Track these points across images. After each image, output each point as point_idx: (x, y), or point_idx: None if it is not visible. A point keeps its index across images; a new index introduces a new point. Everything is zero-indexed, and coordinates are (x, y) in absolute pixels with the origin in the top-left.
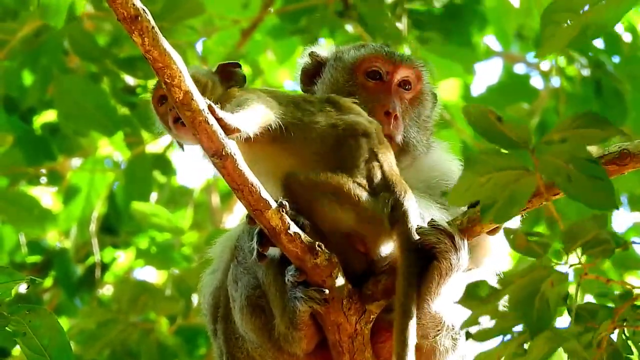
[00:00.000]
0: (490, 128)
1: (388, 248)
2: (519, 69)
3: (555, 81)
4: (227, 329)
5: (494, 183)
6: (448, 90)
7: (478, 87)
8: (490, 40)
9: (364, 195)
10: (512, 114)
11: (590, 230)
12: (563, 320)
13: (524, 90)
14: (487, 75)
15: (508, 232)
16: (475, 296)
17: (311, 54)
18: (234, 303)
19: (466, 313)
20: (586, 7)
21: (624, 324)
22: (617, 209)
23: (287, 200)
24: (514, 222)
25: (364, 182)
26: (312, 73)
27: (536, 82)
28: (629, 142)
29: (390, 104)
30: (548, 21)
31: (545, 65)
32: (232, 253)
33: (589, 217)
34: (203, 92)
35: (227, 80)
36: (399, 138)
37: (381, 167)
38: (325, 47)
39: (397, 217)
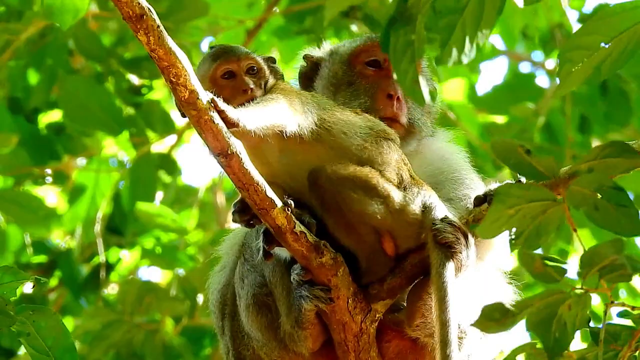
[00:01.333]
0: (519, 161)
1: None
2: (524, 67)
3: None
4: (233, 326)
5: (522, 215)
6: (453, 90)
7: (483, 86)
8: (495, 39)
9: (393, 189)
10: (517, 113)
11: (607, 254)
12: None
13: (529, 90)
14: (492, 74)
15: (526, 257)
16: (492, 318)
17: (306, 57)
18: (240, 300)
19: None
20: (602, 44)
21: None
22: (630, 279)
23: (292, 200)
24: None
25: (394, 177)
26: (309, 75)
27: (541, 81)
28: (634, 140)
29: (391, 87)
30: (564, 59)
31: (550, 64)
32: (240, 250)
33: (606, 242)
34: (260, 78)
35: (273, 73)
36: (403, 119)
37: (408, 168)
38: (317, 49)
39: (428, 213)
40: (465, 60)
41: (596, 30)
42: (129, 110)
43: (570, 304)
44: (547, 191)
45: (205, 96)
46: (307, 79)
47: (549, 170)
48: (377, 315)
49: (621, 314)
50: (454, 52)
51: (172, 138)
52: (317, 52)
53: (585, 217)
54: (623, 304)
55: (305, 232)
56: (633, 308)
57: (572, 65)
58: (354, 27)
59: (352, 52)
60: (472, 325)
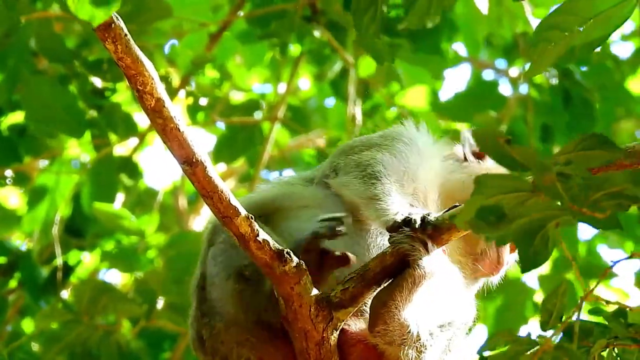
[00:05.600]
0: (499, 150)
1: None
2: (488, 75)
3: (524, 88)
4: (201, 308)
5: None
6: (416, 97)
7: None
8: (458, 46)
9: None
10: (480, 121)
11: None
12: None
13: (492, 98)
14: (455, 81)
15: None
16: (487, 220)
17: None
18: (214, 278)
19: (435, 328)
20: (577, 27)
21: (616, 342)
22: (621, 228)
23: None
24: None
25: None
26: None
27: (504, 89)
28: None
29: None
30: (539, 39)
31: (514, 72)
32: (209, 239)
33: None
34: None
35: None
36: None
37: None
38: None
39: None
40: (429, 24)
41: (572, 10)
42: (92, 113)
43: (558, 222)
44: (526, 182)
45: (174, 109)
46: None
47: (529, 161)
48: (339, 324)
49: (593, 311)
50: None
51: (134, 141)
52: None
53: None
54: (597, 298)
55: (269, 240)
56: (607, 302)
57: (546, 45)
58: (317, 33)
59: None
60: (465, 222)
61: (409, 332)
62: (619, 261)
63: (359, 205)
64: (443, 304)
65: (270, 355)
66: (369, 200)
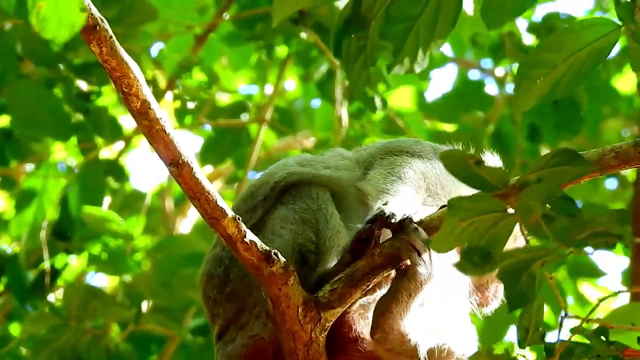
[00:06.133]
0: (469, 172)
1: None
2: (474, 75)
3: (510, 87)
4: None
5: (475, 227)
6: (402, 97)
7: (432, 94)
8: (444, 46)
9: None
10: (467, 122)
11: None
12: None
13: (478, 98)
14: (441, 81)
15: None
16: (472, 261)
17: None
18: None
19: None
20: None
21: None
22: (597, 249)
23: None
24: None
25: None
26: None
27: (491, 88)
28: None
29: None
30: (523, 76)
31: (499, 71)
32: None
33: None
34: None
35: None
36: None
37: None
38: None
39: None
40: (417, 69)
41: (554, 47)
42: (78, 116)
43: (544, 261)
44: (498, 202)
45: (159, 111)
46: None
47: (500, 181)
48: (327, 324)
49: (573, 329)
50: (407, 60)
51: (120, 144)
52: None
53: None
54: (576, 317)
55: (256, 241)
56: (588, 321)
57: (530, 83)
58: (303, 35)
59: None
60: (453, 265)
61: (408, 341)
62: (605, 298)
63: (369, 195)
64: (442, 315)
65: None
66: (378, 193)
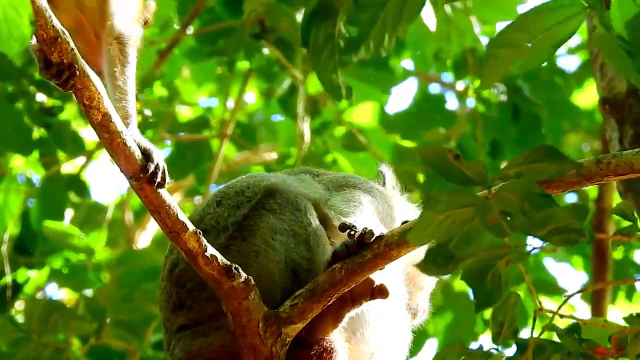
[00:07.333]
0: (448, 166)
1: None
2: (434, 88)
3: (471, 102)
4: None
5: (452, 221)
6: (364, 114)
7: (392, 107)
8: (406, 61)
9: None
10: (429, 138)
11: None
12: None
13: (440, 114)
14: (401, 94)
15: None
16: (435, 262)
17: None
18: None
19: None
20: (526, 43)
21: (569, 358)
22: (575, 243)
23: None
24: None
25: None
26: None
27: (452, 104)
28: None
29: None
30: (490, 55)
31: (460, 85)
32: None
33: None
34: None
35: None
36: None
37: None
38: None
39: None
40: (383, 53)
41: (521, 27)
42: (40, 130)
43: (509, 259)
44: (476, 196)
45: (121, 124)
46: None
47: (479, 176)
48: (287, 340)
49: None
50: (372, 44)
51: (82, 159)
52: None
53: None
54: (551, 312)
55: (217, 255)
56: (561, 316)
57: (496, 62)
58: (265, 51)
59: None
60: (415, 265)
61: (372, 354)
62: (574, 293)
63: (333, 219)
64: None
65: None
66: (342, 215)
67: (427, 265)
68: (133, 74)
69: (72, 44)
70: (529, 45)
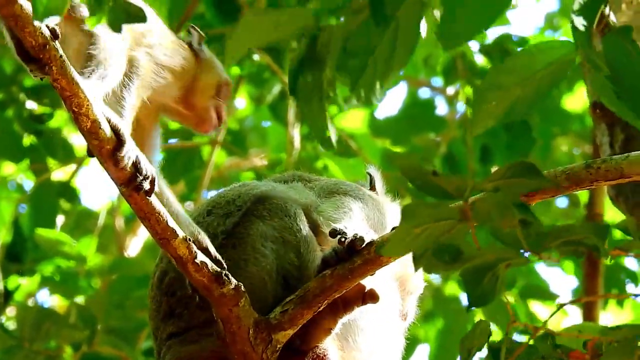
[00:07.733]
0: (425, 180)
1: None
2: (424, 93)
3: (461, 106)
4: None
5: (428, 233)
6: (354, 119)
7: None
8: None
9: None
10: (418, 143)
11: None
12: None
13: (430, 120)
14: (391, 98)
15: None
16: (442, 259)
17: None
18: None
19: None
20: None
21: None
22: (582, 256)
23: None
24: None
25: None
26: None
27: (441, 107)
28: None
29: None
30: (480, 99)
31: (450, 90)
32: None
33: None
34: None
35: None
36: None
37: None
38: None
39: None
40: (374, 101)
41: (510, 70)
42: (30, 138)
43: (510, 262)
44: (453, 210)
45: (109, 131)
46: None
47: (457, 190)
48: (278, 346)
49: (521, 331)
50: (363, 92)
51: (72, 166)
52: None
53: (491, 235)
54: (525, 325)
55: (207, 262)
56: (535, 329)
57: (487, 105)
58: (256, 57)
59: None
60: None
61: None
62: (565, 304)
63: (323, 224)
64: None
65: None
66: (332, 221)
67: (432, 263)
68: None
69: (60, 51)
70: (519, 88)
